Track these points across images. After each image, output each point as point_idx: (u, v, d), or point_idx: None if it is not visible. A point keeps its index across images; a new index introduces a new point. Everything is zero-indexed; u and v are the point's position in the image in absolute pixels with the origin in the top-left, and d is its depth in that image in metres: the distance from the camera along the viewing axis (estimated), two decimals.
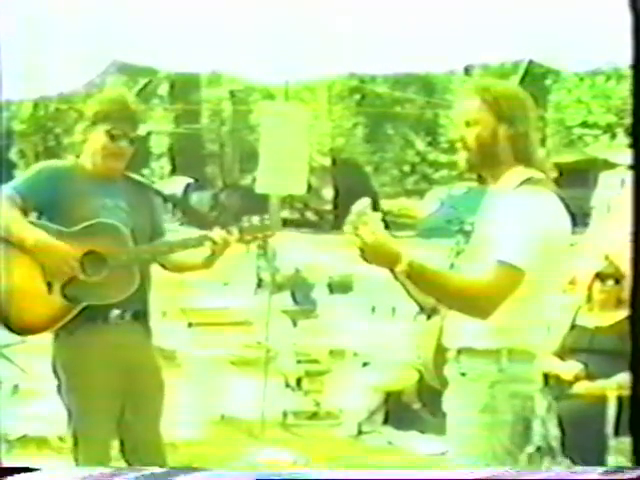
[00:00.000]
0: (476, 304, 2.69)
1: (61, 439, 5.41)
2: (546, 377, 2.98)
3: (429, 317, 3.00)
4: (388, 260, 2.68)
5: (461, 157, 2.88)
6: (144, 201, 3.67)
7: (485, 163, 2.86)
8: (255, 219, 3.60)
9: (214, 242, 3.51)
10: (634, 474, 2.82)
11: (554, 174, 2.90)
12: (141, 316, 3.60)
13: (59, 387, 3.57)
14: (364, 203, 2.76)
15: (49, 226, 3.47)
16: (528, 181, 2.78)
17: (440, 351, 2.93)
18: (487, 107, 2.82)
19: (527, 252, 2.67)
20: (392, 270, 2.71)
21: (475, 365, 2.79)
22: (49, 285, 3.43)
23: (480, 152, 2.84)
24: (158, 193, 3.80)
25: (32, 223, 3.47)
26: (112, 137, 3.52)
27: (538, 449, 3.40)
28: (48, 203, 3.49)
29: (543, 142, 24.81)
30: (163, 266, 3.69)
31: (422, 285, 2.77)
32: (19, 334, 3.54)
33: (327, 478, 3.21)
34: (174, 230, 3.73)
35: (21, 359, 7.05)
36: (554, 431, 4.55)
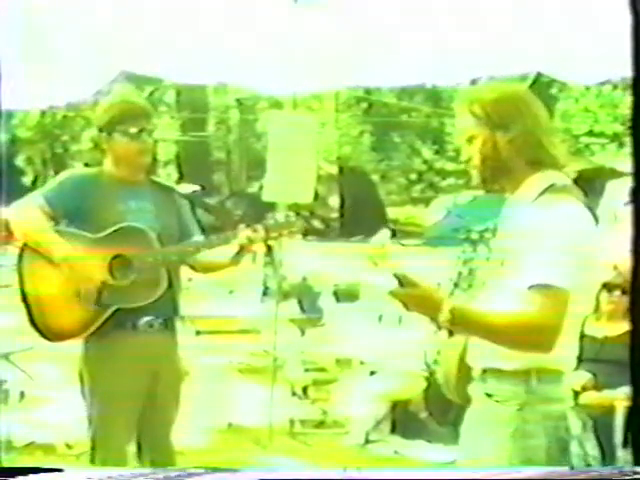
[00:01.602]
0: (533, 339, 2.55)
1: (68, 446, 5.42)
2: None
3: (451, 334, 2.81)
4: (430, 310, 2.60)
5: (474, 176, 2.78)
6: (170, 203, 3.69)
7: (497, 175, 2.74)
8: (280, 217, 3.64)
9: (240, 240, 3.53)
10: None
11: (572, 168, 2.77)
12: (170, 323, 3.63)
13: (82, 392, 3.59)
14: (383, 235, 2.71)
15: (78, 233, 3.50)
16: (550, 189, 2.64)
17: (463, 367, 2.80)
18: (478, 120, 2.72)
19: (563, 270, 2.53)
20: (435, 319, 2.61)
21: (502, 386, 2.67)
22: (78, 292, 3.47)
23: (488, 166, 2.73)
24: (182, 195, 3.82)
25: (61, 232, 3.50)
26: (132, 136, 3.54)
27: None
28: (76, 210, 3.53)
29: None
30: (192, 267, 3.72)
31: (469, 329, 2.66)
32: (51, 340, 3.55)
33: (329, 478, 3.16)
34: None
35: (28, 366, 7.06)
36: (593, 452, 4.47)
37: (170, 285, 3.56)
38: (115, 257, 3.48)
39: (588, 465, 4.51)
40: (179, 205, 3.76)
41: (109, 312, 3.49)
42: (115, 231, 3.51)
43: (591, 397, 4.90)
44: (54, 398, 6.54)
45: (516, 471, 2.67)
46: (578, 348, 5.29)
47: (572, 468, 2.76)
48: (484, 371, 2.72)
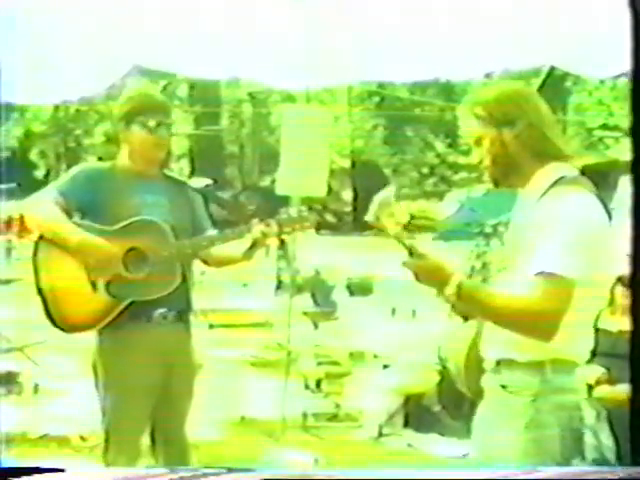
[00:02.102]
0: (534, 325, 2.58)
1: (82, 438, 5.44)
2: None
3: (466, 319, 2.88)
4: (438, 282, 2.64)
5: (487, 177, 2.82)
6: (184, 198, 3.70)
7: (509, 172, 2.78)
8: (293, 211, 3.64)
9: (254, 235, 3.54)
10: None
11: (579, 158, 2.80)
12: (184, 316, 3.64)
13: (96, 384, 3.61)
14: (388, 193, 2.74)
15: (92, 226, 3.51)
16: (560, 181, 2.67)
17: (474, 359, 2.82)
18: (482, 121, 2.76)
19: (571, 259, 2.55)
20: (442, 292, 2.64)
21: (516, 377, 2.68)
22: (93, 283, 3.48)
23: (499, 165, 2.77)
24: (196, 190, 3.82)
25: (75, 224, 3.51)
26: (149, 129, 3.56)
27: (593, 462, 3.32)
28: (90, 203, 3.54)
29: None
30: (205, 262, 3.73)
31: (473, 307, 2.70)
32: (66, 332, 3.57)
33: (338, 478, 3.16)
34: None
35: (42, 358, 7.09)
36: (607, 442, 4.46)
37: (184, 279, 3.57)
38: (130, 250, 3.49)
39: (603, 456, 4.50)
40: (192, 199, 3.76)
41: (123, 304, 3.50)
42: (129, 224, 3.52)
43: (605, 391, 4.89)
44: (68, 390, 6.57)
45: (529, 471, 2.68)
46: (592, 342, 5.29)
47: (588, 461, 2.77)
48: (498, 363, 2.74)
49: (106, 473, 3.25)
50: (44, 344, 7.01)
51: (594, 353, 5.10)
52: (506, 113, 2.74)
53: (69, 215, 3.54)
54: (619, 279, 5.12)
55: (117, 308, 3.49)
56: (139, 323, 3.53)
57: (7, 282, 9.18)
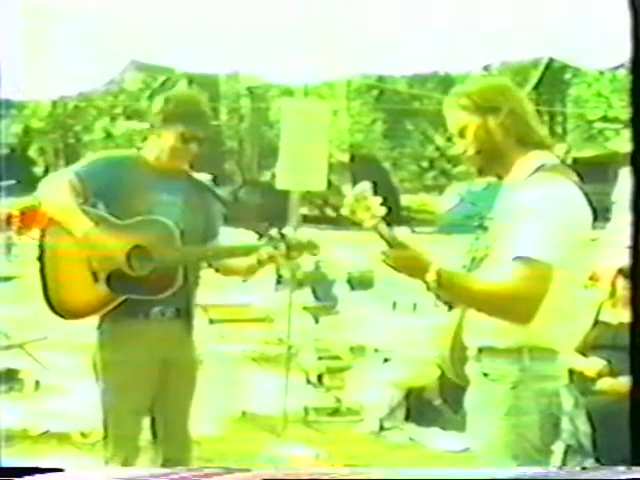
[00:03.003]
0: (512, 309, 2.63)
1: (83, 435, 5.44)
2: (570, 374, 2.91)
3: (450, 308, 2.93)
4: (417, 271, 2.69)
5: (473, 167, 2.88)
6: (201, 201, 3.67)
7: (493, 161, 2.83)
8: (302, 236, 3.64)
9: (260, 256, 3.53)
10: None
11: (559, 149, 2.86)
12: (183, 314, 3.62)
13: (96, 379, 3.60)
14: (363, 187, 2.77)
15: (103, 215, 3.49)
16: (541, 168, 2.72)
17: (459, 348, 2.87)
18: (467, 110, 2.83)
19: (549, 244, 2.60)
20: (423, 280, 2.68)
21: (496, 365, 2.74)
22: (94, 274, 3.47)
23: (484, 153, 2.82)
24: (217, 196, 3.80)
25: (86, 211, 3.48)
26: (184, 140, 3.54)
27: (568, 447, 3.37)
28: (106, 191, 3.51)
29: (563, 137, 24.67)
30: (217, 270, 3.72)
31: (454, 293, 2.75)
32: (63, 317, 3.56)
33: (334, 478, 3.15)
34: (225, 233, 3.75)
35: (43, 355, 7.08)
36: (584, 428, 4.51)
37: (186, 279, 3.55)
38: (135, 247, 3.47)
39: (579, 443, 4.53)
40: (210, 205, 3.73)
41: (119, 300, 3.49)
42: (140, 221, 3.50)
43: (606, 383, 4.88)
44: (69, 387, 6.56)
45: (513, 471, 2.69)
46: (593, 334, 5.28)
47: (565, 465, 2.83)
48: (480, 350, 2.79)
49: (106, 473, 3.25)
50: (45, 341, 7.01)
51: (595, 346, 5.11)
52: (490, 101, 2.81)
53: (84, 199, 3.50)
54: (620, 271, 5.12)
55: (115, 301, 3.48)
56: (137, 319, 3.52)
57: (7, 279, 9.17)
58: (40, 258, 3.52)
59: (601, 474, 2.92)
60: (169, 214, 3.53)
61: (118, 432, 3.56)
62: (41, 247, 3.53)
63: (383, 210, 2.75)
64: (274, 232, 3.58)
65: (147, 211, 3.52)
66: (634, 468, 2.83)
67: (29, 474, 2.59)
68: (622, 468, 2.84)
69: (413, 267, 2.70)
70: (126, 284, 3.48)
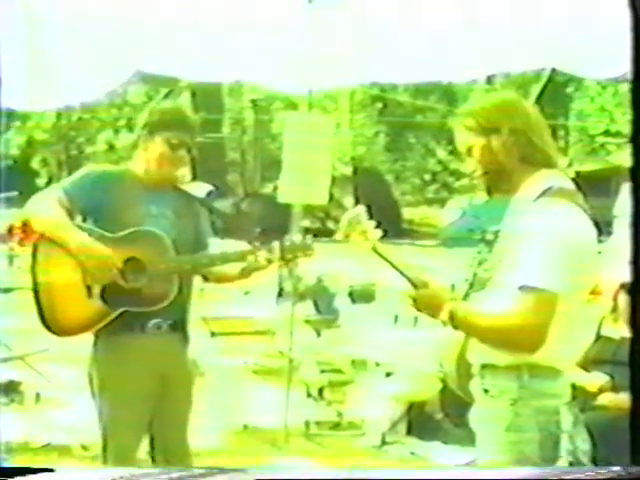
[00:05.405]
0: (517, 341, 2.67)
1: (84, 447, 5.42)
2: (572, 389, 2.92)
3: (456, 328, 2.92)
4: (433, 311, 2.78)
5: (481, 185, 2.89)
6: (190, 212, 3.69)
7: (501, 180, 2.84)
8: (297, 238, 3.63)
9: (255, 259, 3.52)
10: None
11: (562, 163, 2.88)
12: (179, 326, 3.62)
13: (92, 393, 3.59)
14: (357, 211, 2.79)
15: (93, 230, 3.50)
16: (548, 192, 2.71)
17: (464, 364, 2.89)
18: (471, 131, 2.84)
19: (554, 273, 2.61)
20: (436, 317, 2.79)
21: (497, 382, 2.76)
22: (89, 288, 3.46)
23: (490, 173, 2.84)
24: (205, 205, 3.80)
25: (77, 226, 3.49)
26: (172, 146, 3.53)
27: (570, 464, 3.36)
28: (94, 207, 3.52)
29: (565, 151, 24.68)
30: (204, 277, 3.71)
31: (465, 330, 2.80)
32: (57, 334, 3.55)
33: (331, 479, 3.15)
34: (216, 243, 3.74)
35: (44, 367, 7.07)
36: (583, 446, 4.50)
37: (180, 291, 3.54)
38: (129, 259, 3.47)
39: (579, 461, 4.53)
40: (198, 214, 3.74)
41: (115, 313, 3.48)
42: (131, 233, 3.50)
43: (608, 399, 4.87)
44: (70, 400, 6.55)
45: (527, 471, 2.71)
46: (595, 349, 5.27)
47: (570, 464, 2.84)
48: (482, 367, 2.81)
49: (100, 473, 3.24)
50: (46, 353, 6.99)
51: (596, 361, 5.10)
52: (492, 121, 2.81)
53: (72, 216, 3.51)
54: (622, 286, 5.11)
55: (110, 316, 3.47)
56: (133, 333, 3.51)
57: (8, 290, 9.15)
58: (32, 275, 3.50)
59: (601, 474, 2.92)
60: (159, 226, 3.53)
61: (117, 446, 3.55)
62: (33, 264, 3.51)
63: (378, 233, 2.78)
64: (268, 238, 3.58)
65: (136, 224, 3.52)
66: (631, 467, 2.83)
67: (20, 474, 2.59)
68: (618, 468, 2.84)
69: (429, 306, 2.80)
70: (120, 297, 3.47)
